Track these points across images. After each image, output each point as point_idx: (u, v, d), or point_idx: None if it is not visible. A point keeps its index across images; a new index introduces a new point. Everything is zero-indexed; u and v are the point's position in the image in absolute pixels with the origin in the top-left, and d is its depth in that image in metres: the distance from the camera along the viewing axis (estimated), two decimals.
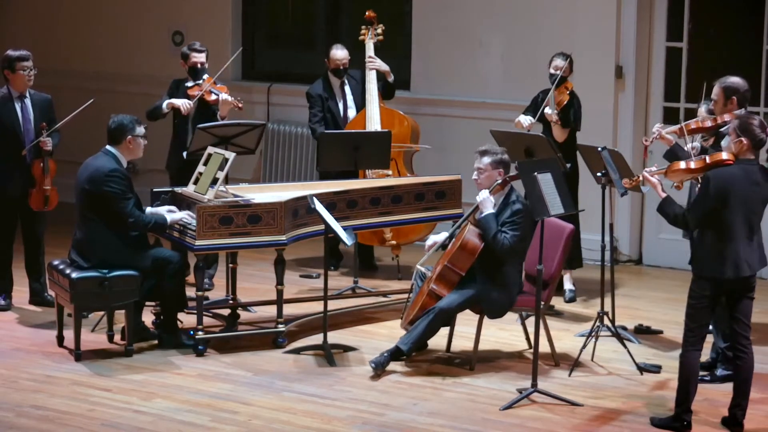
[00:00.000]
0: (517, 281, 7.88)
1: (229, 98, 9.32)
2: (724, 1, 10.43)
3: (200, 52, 9.47)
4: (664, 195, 6.90)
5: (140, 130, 8.16)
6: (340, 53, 9.99)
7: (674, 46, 10.37)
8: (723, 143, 7.02)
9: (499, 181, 7.79)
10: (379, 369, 7.76)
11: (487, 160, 7.84)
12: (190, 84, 9.45)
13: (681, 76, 10.33)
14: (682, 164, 6.97)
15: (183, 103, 9.32)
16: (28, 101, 8.92)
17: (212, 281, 9.64)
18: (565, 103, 9.17)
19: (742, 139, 6.76)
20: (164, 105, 9.37)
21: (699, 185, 6.93)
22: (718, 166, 6.78)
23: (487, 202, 7.77)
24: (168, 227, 8.18)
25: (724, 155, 6.80)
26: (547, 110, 9.14)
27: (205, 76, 9.45)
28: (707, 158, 6.87)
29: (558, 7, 10.60)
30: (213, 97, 9.36)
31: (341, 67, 9.99)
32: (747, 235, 6.76)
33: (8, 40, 12.42)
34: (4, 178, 8.85)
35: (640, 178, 7.22)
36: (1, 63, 8.92)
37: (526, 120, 9.23)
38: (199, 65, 9.45)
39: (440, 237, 8.04)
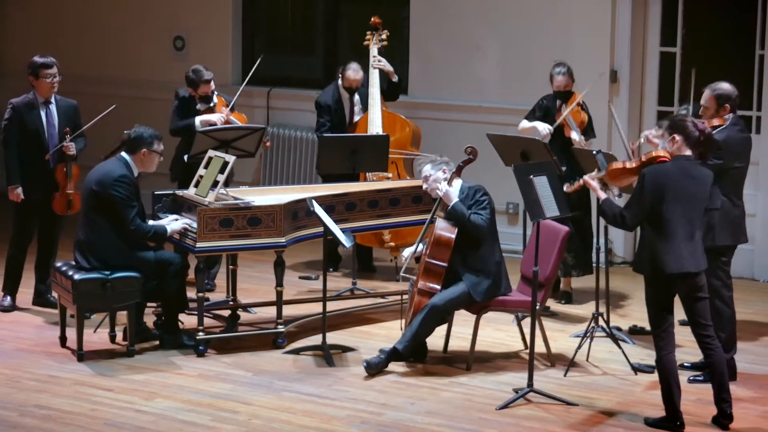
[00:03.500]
0: (497, 259, 7.92)
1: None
2: (717, 7, 10.49)
3: (208, 82, 9.40)
4: (603, 196, 6.96)
5: (158, 146, 8.21)
6: (355, 75, 9.99)
7: (668, 51, 10.45)
8: (660, 145, 7.04)
9: (454, 170, 7.95)
10: (372, 369, 7.81)
11: (428, 168, 8.00)
12: (201, 107, 9.43)
13: (675, 81, 10.41)
14: (619, 164, 7.03)
15: (218, 118, 9.31)
16: (53, 107, 8.99)
17: (214, 282, 9.73)
18: (586, 121, 9.22)
19: (675, 136, 6.80)
20: (198, 123, 9.30)
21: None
22: (653, 163, 6.83)
23: (450, 194, 7.89)
24: (167, 238, 8.24)
25: (660, 152, 6.85)
26: (575, 137, 9.07)
27: (215, 99, 9.47)
28: (643, 156, 6.92)
29: (554, 13, 10.67)
30: None
31: (354, 86, 10.05)
32: (688, 231, 6.77)
33: (10, 44, 12.52)
34: (28, 182, 8.92)
35: (581, 183, 7.24)
36: (27, 69, 8.99)
37: (544, 129, 9.18)
38: (210, 93, 9.43)
39: (413, 249, 8.12)
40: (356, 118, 10.13)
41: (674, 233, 6.74)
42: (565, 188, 7.50)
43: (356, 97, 10.14)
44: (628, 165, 6.98)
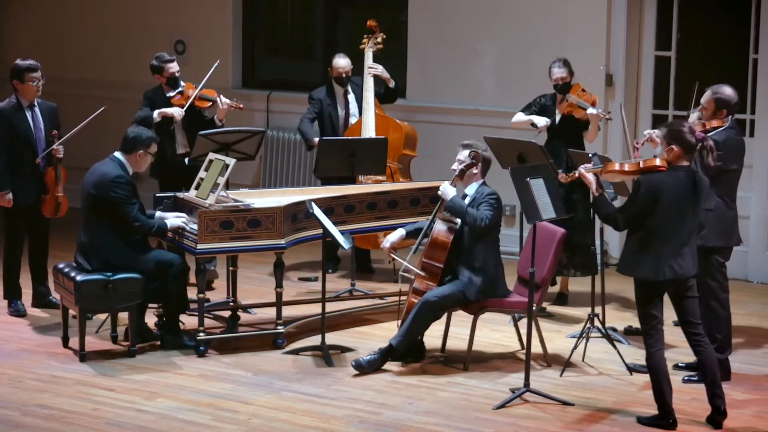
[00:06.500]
0: (496, 262, 8.00)
1: (228, 101, 9.47)
2: (711, 11, 10.55)
3: (172, 61, 9.55)
4: (597, 193, 7.00)
5: (153, 149, 8.30)
6: (342, 62, 10.10)
7: (663, 54, 10.51)
8: (656, 151, 7.09)
9: (457, 173, 8.01)
10: (362, 368, 7.88)
11: (465, 152, 8.05)
12: (171, 94, 9.52)
13: (669, 84, 10.47)
14: (617, 165, 7.04)
15: (176, 111, 9.43)
16: (37, 110, 8.97)
17: (214, 268, 9.78)
18: (597, 100, 9.23)
19: (673, 146, 6.83)
20: (155, 115, 9.45)
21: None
22: (650, 171, 6.86)
23: (446, 190, 7.94)
24: (169, 231, 8.31)
25: (658, 161, 6.87)
26: (592, 111, 9.05)
27: (183, 83, 9.57)
28: (641, 162, 6.94)
29: (550, 17, 10.73)
30: (209, 103, 9.49)
31: (343, 75, 10.08)
32: (677, 239, 6.83)
33: (12, 48, 12.57)
34: (19, 186, 8.91)
35: (576, 174, 7.23)
36: (10, 73, 8.97)
37: (541, 121, 9.24)
38: (176, 74, 9.55)
39: (395, 235, 8.15)
40: (351, 119, 10.18)
41: (663, 241, 6.80)
42: (560, 177, 7.56)
43: (351, 96, 10.20)
44: (627, 167, 6.99)
